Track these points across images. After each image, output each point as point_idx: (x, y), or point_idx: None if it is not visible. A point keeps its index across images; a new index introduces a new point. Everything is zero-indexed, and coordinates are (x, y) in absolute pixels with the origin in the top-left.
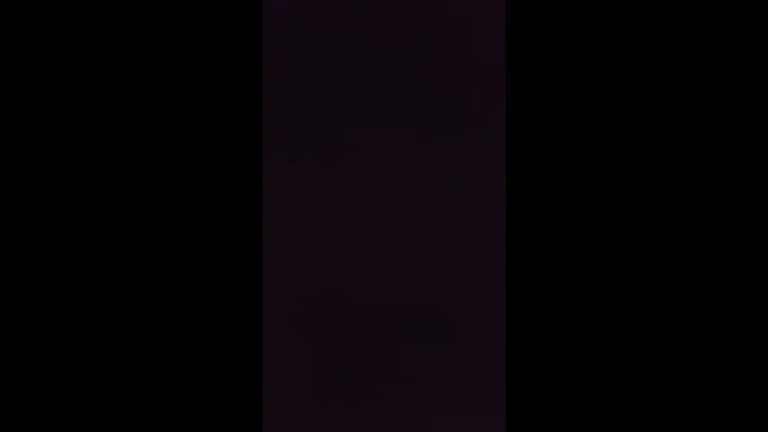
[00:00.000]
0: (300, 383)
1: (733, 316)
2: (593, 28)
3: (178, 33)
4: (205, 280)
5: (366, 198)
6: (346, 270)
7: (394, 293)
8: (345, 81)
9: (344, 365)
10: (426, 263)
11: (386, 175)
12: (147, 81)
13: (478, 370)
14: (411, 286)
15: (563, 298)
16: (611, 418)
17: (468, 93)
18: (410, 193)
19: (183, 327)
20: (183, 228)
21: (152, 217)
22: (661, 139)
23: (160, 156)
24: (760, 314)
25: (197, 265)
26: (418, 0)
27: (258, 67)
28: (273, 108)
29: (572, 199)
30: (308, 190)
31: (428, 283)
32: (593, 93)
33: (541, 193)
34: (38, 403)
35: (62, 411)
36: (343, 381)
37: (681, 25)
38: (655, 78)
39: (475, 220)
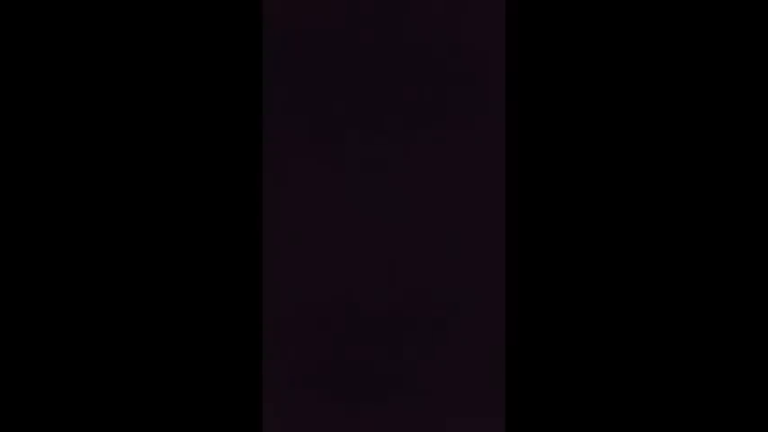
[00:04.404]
0: (300, 384)
1: (733, 316)
2: (593, 28)
3: (179, 34)
4: (205, 281)
5: (366, 198)
6: (346, 270)
7: (394, 294)
8: (345, 81)
9: (344, 366)
10: (426, 263)
11: (386, 176)
12: (147, 83)
13: (478, 370)
14: (411, 287)
15: (563, 298)
16: (611, 418)
17: (468, 93)
18: (410, 193)
19: (184, 328)
20: (183, 228)
21: (152, 217)
22: (661, 140)
23: (160, 156)
24: (760, 314)
25: (197, 265)
26: (419, 2)
27: (258, 68)
28: (273, 108)
29: (571, 199)
30: (307, 190)
31: (428, 283)
32: (592, 93)
33: (541, 194)
34: (38, 403)
35: (62, 411)
36: (343, 381)
37: (681, 25)
38: (655, 79)
39: (475, 220)
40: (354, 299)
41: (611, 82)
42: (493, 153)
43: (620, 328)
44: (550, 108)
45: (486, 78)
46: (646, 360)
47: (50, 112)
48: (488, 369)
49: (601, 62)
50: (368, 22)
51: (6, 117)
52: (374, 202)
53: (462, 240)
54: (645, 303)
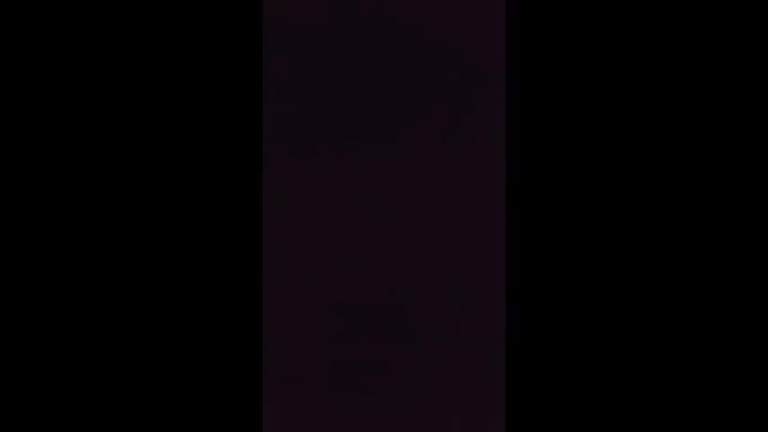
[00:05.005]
0: (300, 384)
1: (733, 316)
2: (593, 29)
3: (179, 34)
4: (205, 281)
5: (366, 198)
6: (346, 271)
7: (394, 294)
8: (345, 82)
9: (344, 366)
10: (426, 263)
11: (386, 176)
12: (148, 83)
13: (478, 370)
14: (411, 287)
15: (563, 298)
16: (611, 418)
17: (469, 94)
18: (410, 193)
19: (184, 327)
20: (183, 228)
21: (152, 218)
22: (662, 141)
23: (161, 157)
24: (760, 314)
25: (197, 265)
26: (419, 2)
27: (258, 68)
28: (273, 108)
29: (571, 199)
30: (307, 190)
31: (428, 283)
32: (593, 95)
33: (541, 195)
34: (38, 403)
35: (62, 411)
36: (343, 381)
37: (681, 25)
38: (656, 79)
39: (475, 221)
40: (354, 299)
41: (612, 82)
42: (493, 153)
43: (620, 328)
44: (550, 109)
45: (486, 79)
46: (646, 360)
47: (50, 112)
48: (488, 369)
49: (601, 63)
50: (368, 23)
51: (6, 117)
52: (374, 202)
53: (462, 241)
54: (645, 303)
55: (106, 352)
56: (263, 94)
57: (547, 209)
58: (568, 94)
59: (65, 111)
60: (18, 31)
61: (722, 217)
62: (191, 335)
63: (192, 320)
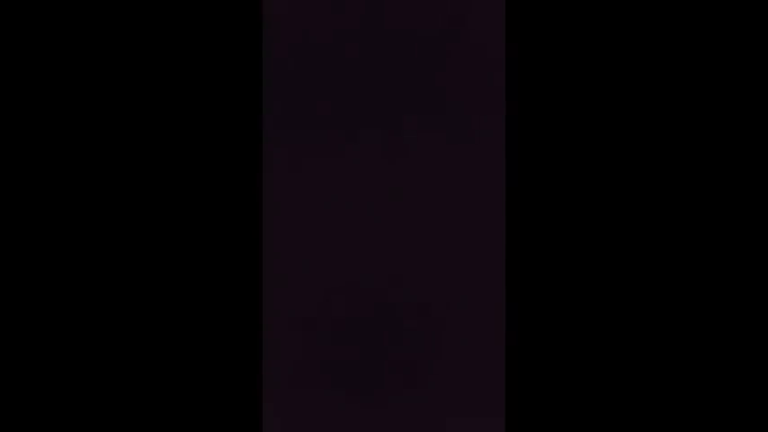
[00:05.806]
0: (300, 383)
1: (732, 316)
2: (593, 29)
3: (179, 34)
4: (205, 281)
5: (366, 198)
6: (346, 271)
7: (394, 294)
8: (345, 81)
9: (344, 366)
10: (427, 264)
11: (386, 175)
12: (148, 83)
13: (478, 370)
14: (411, 287)
15: (562, 298)
16: (611, 418)
17: (469, 93)
18: (410, 192)
19: (184, 328)
20: (183, 228)
21: (152, 218)
22: (662, 140)
23: (161, 156)
24: (759, 314)
25: (198, 265)
26: (419, 2)
27: (258, 68)
28: (273, 108)
29: (571, 200)
30: (307, 190)
31: (428, 283)
32: (593, 94)
33: (541, 195)
34: (38, 403)
35: (62, 411)
36: (343, 381)
37: (681, 25)
38: (656, 79)
39: (475, 220)
40: (354, 299)
41: (612, 82)
42: (493, 153)
43: (620, 328)
44: (550, 108)
45: (486, 79)
46: (645, 360)
47: (51, 113)
48: (488, 369)
49: (601, 62)
50: (368, 23)
51: (7, 117)
52: (374, 202)
53: (462, 240)
54: (644, 304)
55: (106, 352)
56: (263, 94)
57: (546, 209)
58: (568, 94)
59: (65, 110)
60: (18, 31)
61: (723, 217)
62: (191, 335)
63: (192, 321)
